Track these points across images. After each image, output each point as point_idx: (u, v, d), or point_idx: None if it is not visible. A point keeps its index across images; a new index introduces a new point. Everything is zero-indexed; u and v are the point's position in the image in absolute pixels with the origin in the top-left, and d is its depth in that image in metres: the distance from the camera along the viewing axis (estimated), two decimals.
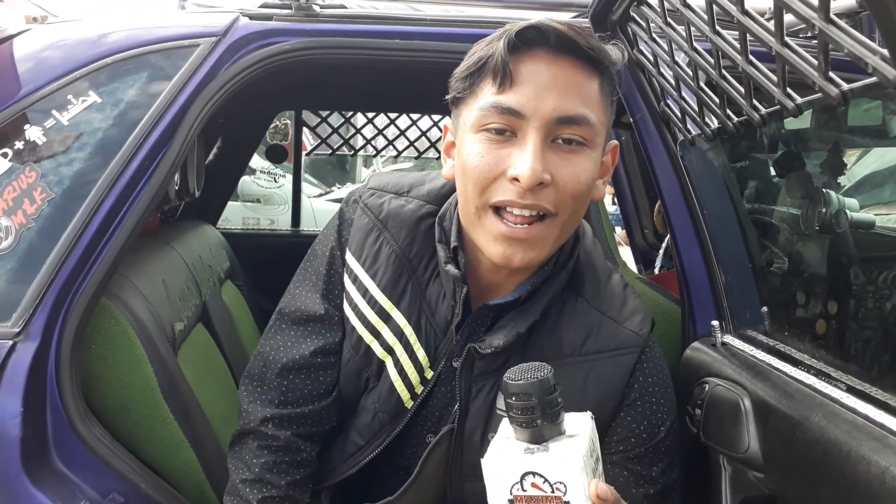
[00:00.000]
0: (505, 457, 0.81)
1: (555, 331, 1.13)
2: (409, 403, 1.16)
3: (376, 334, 1.16)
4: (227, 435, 1.53)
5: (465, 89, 1.04)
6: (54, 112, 1.24)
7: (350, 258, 1.19)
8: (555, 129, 0.98)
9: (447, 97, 1.09)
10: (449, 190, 1.20)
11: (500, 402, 1.11)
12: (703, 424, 1.21)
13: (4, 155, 1.22)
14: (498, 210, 1.01)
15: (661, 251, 2.68)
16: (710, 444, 1.19)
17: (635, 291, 1.21)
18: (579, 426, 0.83)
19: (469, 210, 1.04)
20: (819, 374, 1.03)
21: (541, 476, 0.78)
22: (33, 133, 1.22)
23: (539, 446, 0.80)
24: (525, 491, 0.79)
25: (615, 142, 1.12)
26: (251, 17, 1.40)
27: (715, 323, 1.31)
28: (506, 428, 0.85)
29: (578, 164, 1.00)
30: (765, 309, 1.33)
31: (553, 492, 0.78)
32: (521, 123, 0.98)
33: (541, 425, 0.79)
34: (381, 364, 1.17)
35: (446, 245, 1.13)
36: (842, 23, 0.63)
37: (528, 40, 0.98)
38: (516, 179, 0.97)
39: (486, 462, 0.81)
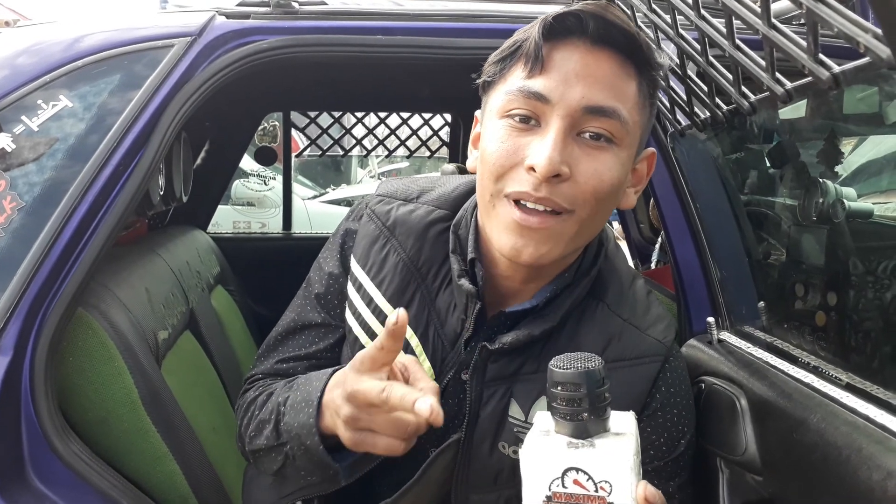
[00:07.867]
0: (546, 449, 0.74)
1: (574, 336, 1.07)
2: None
3: None
4: (214, 445, 1.50)
5: (496, 73, 1.00)
6: (24, 117, 1.20)
7: (355, 266, 1.15)
8: (581, 119, 0.93)
9: (478, 81, 1.04)
10: (461, 193, 1.15)
11: (513, 410, 1.06)
12: (700, 425, 1.17)
13: None
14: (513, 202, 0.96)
15: (658, 246, 2.65)
16: (706, 445, 1.15)
17: (658, 299, 1.16)
18: (624, 425, 0.77)
19: (484, 198, 0.99)
20: (818, 371, 0.99)
21: (585, 473, 0.72)
22: (2, 140, 1.18)
23: (584, 441, 0.73)
24: (566, 488, 0.72)
25: (652, 149, 1.07)
26: (228, 16, 1.36)
27: (710, 320, 1.28)
28: (544, 421, 0.78)
29: (603, 162, 0.94)
30: (762, 304, 1.29)
31: (597, 491, 0.72)
32: (546, 110, 0.93)
33: (586, 419, 0.73)
34: None
35: (461, 257, 1.08)
36: (831, 1, 0.59)
37: (566, 28, 0.93)
38: (532, 169, 0.92)
39: (524, 453, 0.75)
